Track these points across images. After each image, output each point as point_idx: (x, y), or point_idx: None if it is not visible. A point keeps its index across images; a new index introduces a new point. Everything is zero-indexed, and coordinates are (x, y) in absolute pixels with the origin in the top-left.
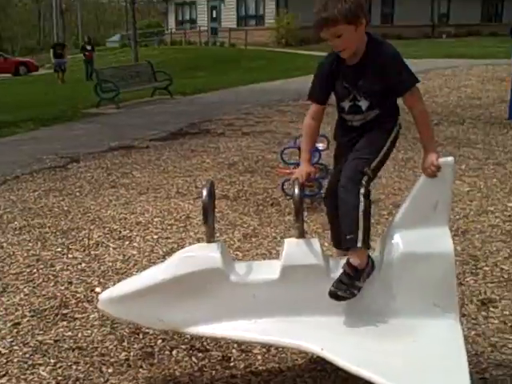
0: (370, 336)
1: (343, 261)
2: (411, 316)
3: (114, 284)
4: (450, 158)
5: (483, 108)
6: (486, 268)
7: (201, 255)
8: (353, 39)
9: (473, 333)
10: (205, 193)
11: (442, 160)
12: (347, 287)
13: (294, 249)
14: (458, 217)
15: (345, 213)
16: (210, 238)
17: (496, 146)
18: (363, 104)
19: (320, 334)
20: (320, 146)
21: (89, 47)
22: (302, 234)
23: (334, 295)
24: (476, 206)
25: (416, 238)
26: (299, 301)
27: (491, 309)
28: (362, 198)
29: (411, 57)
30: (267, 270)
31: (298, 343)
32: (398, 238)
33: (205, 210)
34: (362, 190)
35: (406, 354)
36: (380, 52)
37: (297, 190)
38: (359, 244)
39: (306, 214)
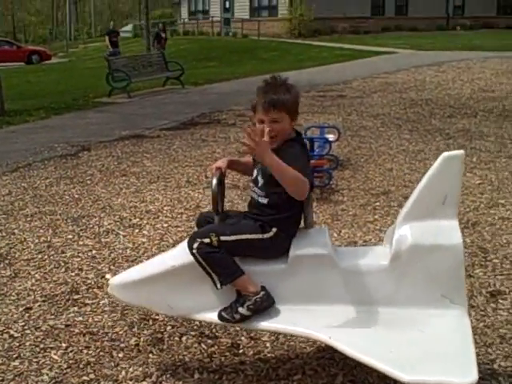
0: (377, 325)
1: (350, 249)
2: (419, 307)
3: (124, 271)
4: (460, 152)
5: (496, 101)
6: (496, 260)
7: None
8: (285, 128)
9: (481, 324)
10: (214, 181)
11: (451, 153)
12: (231, 310)
13: (302, 238)
14: (468, 209)
15: None
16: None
17: (508, 139)
18: (260, 181)
19: (328, 323)
20: (330, 137)
21: (163, 34)
22: (310, 224)
23: (219, 315)
24: (486, 199)
25: (424, 231)
26: (307, 290)
27: (500, 301)
28: (195, 252)
29: (425, 49)
30: (276, 260)
31: (306, 332)
32: (406, 230)
33: (214, 199)
34: (195, 245)
35: (412, 343)
36: (297, 143)
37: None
38: (218, 286)
39: (315, 204)
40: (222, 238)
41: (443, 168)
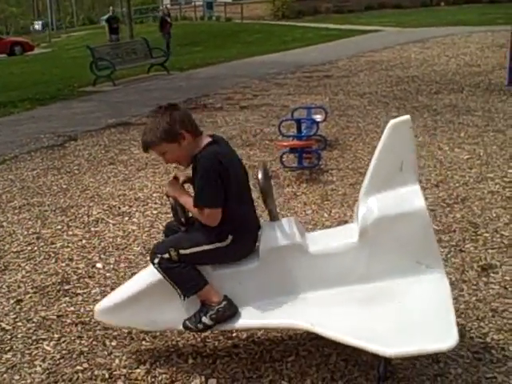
0: (356, 304)
1: (322, 232)
2: (395, 277)
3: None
4: (407, 117)
5: (482, 75)
6: (486, 234)
7: None
8: (179, 153)
9: (473, 298)
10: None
11: (398, 119)
12: (195, 319)
13: (270, 232)
14: (457, 184)
15: None
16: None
17: (495, 113)
18: None
19: (308, 311)
20: (318, 117)
21: (168, 19)
22: (275, 217)
23: (184, 325)
24: (475, 174)
25: (387, 201)
26: (283, 281)
27: (492, 274)
28: (156, 267)
29: (410, 26)
30: (247, 257)
31: (289, 322)
32: (369, 204)
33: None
34: (156, 260)
35: (393, 316)
36: (199, 160)
37: (260, 175)
38: (182, 298)
39: (305, 185)
40: (181, 251)
41: (394, 135)
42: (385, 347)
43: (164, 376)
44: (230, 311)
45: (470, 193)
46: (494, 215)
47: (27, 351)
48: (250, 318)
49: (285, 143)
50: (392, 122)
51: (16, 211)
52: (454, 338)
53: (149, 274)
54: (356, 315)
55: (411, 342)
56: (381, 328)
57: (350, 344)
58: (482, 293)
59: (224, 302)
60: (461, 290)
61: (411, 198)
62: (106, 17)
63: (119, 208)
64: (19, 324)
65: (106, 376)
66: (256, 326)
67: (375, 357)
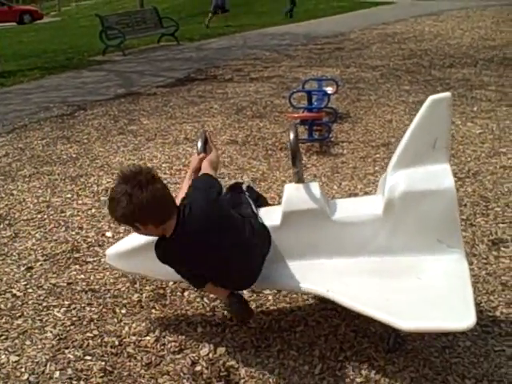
0: (374, 275)
1: (345, 200)
2: (415, 253)
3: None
4: (447, 94)
5: (497, 49)
6: (497, 209)
7: None
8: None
9: (483, 272)
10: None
11: (438, 96)
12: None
13: (294, 194)
14: (469, 159)
15: None
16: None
17: (509, 88)
18: None
19: (325, 276)
20: (329, 89)
21: None
22: (301, 179)
23: None
24: (488, 148)
25: (416, 176)
26: (302, 245)
27: (502, 248)
28: None
29: None
30: (270, 217)
31: (304, 287)
32: (398, 178)
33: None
34: None
35: (410, 290)
36: None
37: (292, 135)
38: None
39: (315, 157)
40: None
41: (431, 111)
42: (400, 320)
43: (173, 344)
44: (233, 307)
45: (481, 167)
46: (506, 190)
47: (38, 317)
48: (265, 280)
49: (295, 115)
50: (431, 97)
51: (26, 180)
52: (471, 319)
53: None
54: (373, 286)
55: (428, 318)
56: (397, 301)
57: (364, 313)
58: (492, 267)
59: (226, 301)
60: (471, 263)
61: (441, 176)
62: None
63: None
64: (30, 291)
65: (116, 343)
66: (270, 287)
67: (385, 328)
